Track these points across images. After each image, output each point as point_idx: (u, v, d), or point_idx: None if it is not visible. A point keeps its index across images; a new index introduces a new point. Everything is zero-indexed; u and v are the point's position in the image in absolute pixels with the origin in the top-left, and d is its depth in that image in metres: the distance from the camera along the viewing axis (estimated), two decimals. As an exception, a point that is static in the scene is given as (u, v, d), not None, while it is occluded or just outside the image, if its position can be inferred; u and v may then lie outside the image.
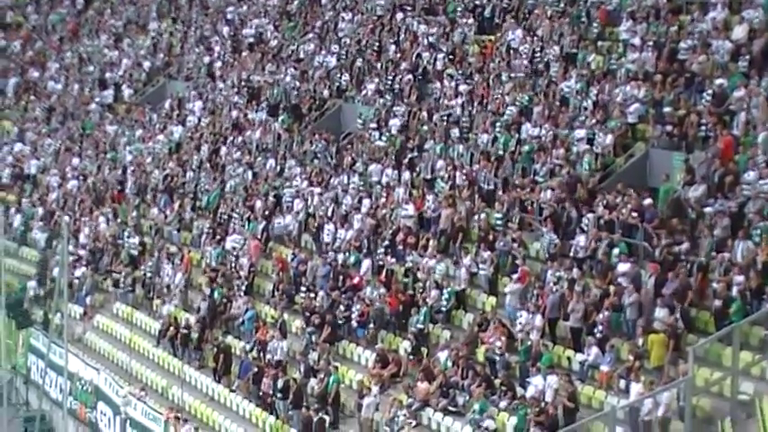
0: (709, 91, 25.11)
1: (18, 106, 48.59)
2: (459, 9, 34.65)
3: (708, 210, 22.87)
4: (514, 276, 24.60)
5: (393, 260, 27.46)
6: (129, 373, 30.88)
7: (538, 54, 30.34)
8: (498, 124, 28.79)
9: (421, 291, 25.95)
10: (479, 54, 32.38)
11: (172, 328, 30.10)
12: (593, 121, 26.90)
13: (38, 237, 38.35)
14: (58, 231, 35.58)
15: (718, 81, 25.20)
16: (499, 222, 26.17)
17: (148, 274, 32.79)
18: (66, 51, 50.42)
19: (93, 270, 35.01)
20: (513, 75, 30.27)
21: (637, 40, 28.05)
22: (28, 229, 39.38)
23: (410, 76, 33.28)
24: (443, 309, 25.53)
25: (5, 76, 50.80)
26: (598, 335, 22.28)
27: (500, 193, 26.93)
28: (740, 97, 24.45)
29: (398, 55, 34.72)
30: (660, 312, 21.58)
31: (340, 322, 26.83)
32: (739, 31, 26.06)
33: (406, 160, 30.25)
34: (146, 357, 31.23)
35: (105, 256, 35.05)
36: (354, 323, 26.60)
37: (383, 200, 29.33)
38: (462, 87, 31.15)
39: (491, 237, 25.87)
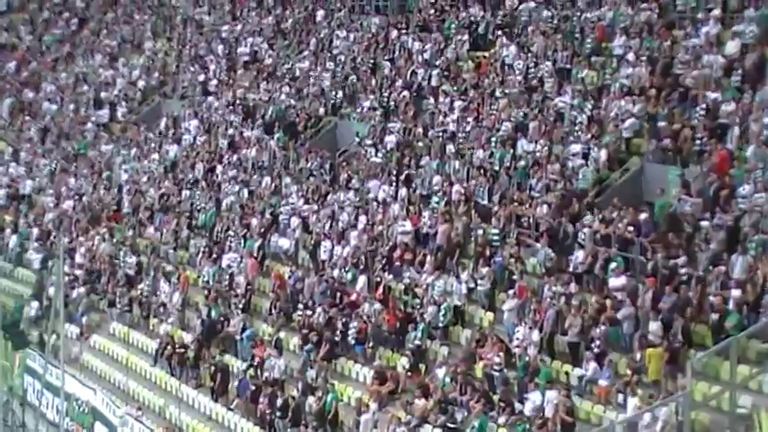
0: (703, 105, 25.21)
1: (13, 127, 48.62)
2: (453, 26, 34.79)
3: (704, 224, 22.93)
4: (511, 292, 24.60)
5: (390, 276, 27.47)
6: (126, 392, 30.81)
7: (532, 70, 30.45)
8: (494, 140, 28.86)
9: (418, 307, 25.96)
10: (474, 70, 32.49)
11: (169, 348, 30.05)
12: (588, 136, 26.98)
13: (33, 257, 38.30)
14: (54, 252, 35.55)
15: (712, 95, 25.30)
16: (496, 238, 26.21)
17: (145, 294, 32.75)
18: (60, 72, 50.50)
19: (89, 290, 34.97)
20: (507, 91, 30.37)
21: (630, 56, 28.17)
22: (24, 249, 39.35)
23: (405, 93, 33.38)
24: (441, 325, 25.53)
25: (0, 97, 50.87)
26: (595, 349, 22.29)
27: (496, 208, 26.97)
28: (733, 111, 24.55)
29: (393, 72, 34.84)
30: (654, 326, 21.61)
31: (337, 339, 26.81)
32: (732, 46, 26.18)
33: (402, 176, 30.30)
34: (143, 377, 31.15)
35: (101, 276, 35.02)
36: (352, 340, 26.59)
37: (380, 216, 29.36)
38: (457, 104, 31.24)
39: (488, 252, 25.90)
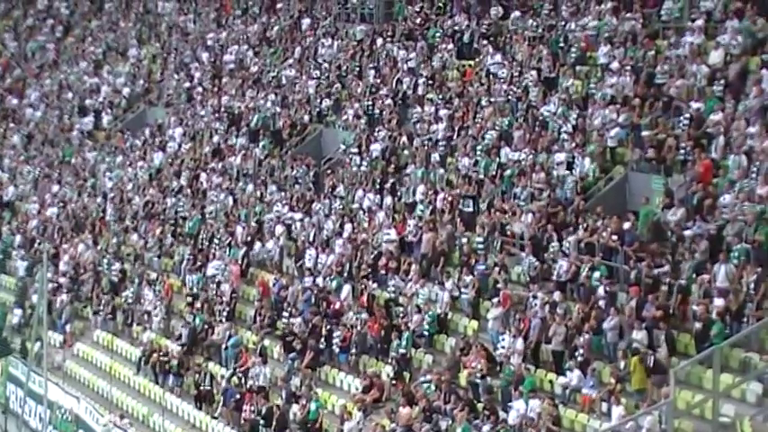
0: (687, 115, 25.33)
1: (-3, 134, 48.48)
2: (438, 35, 34.86)
3: (687, 233, 23.02)
4: (496, 300, 24.64)
5: (375, 285, 27.47)
6: (109, 401, 30.67)
7: (517, 79, 30.53)
8: (479, 148, 28.92)
9: (403, 315, 25.96)
10: (459, 79, 32.56)
11: (153, 355, 29.95)
12: (573, 145, 27.06)
13: (18, 265, 38.14)
14: (38, 259, 35.40)
15: (696, 105, 25.42)
16: (480, 246, 26.24)
17: (129, 301, 32.66)
18: (45, 79, 50.36)
19: (73, 298, 34.84)
20: (492, 99, 30.45)
21: (615, 65, 28.29)
22: (6, 256, 39.17)
23: (390, 101, 33.43)
24: (425, 333, 25.53)
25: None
26: (579, 358, 22.34)
27: (481, 217, 27.01)
28: (717, 121, 24.68)
29: (378, 80, 34.88)
30: (638, 334, 21.67)
31: (322, 347, 26.78)
32: (715, 56, 26.32)
33: (387, 185, 30.33)
34: (126, 385, 31.05)
35: (85, 284, 34.89)
36: (336, 348, 26.56)
37: (365, 224, 29.36)
38: (442, 112, 31.30)
39: (473, 261, 25.93)
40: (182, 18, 47.94)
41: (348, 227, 29.61)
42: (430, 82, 33.03)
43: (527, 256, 25.04)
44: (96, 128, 44.89)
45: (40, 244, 37.29)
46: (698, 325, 21.26)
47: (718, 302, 21.15)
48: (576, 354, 22.39)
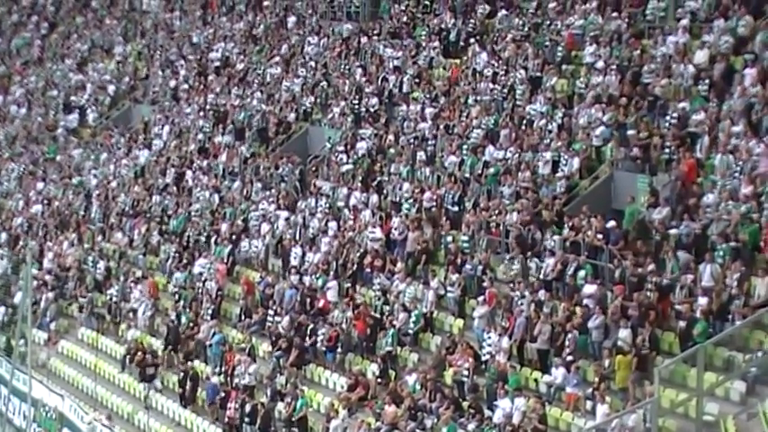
0: (673, 114, 25.41)
1: (-19, 131, 48.29)
2: (424, 33, 34.87)
3: (672, 232, 23.10)
4: (481, 299, 24.67)
5: (361, 283, 27.46)
6: (94, 398, 30.61)
7: (503, 77, 30.57)
8: (465, 147, 28.94)
9: (388, 314, 25.97)
10: (445, 77, 32.58)
11: (138, 354, 29.89)
12: (559, 143, 27.11)
13: (2, 262, 37.98)
14: (22, 257, 35.26)
15: (681, 105, 25.51)
16: (466, 245, 26.27)
17: (114, 299, 32.58)
18: (30, 75, 50.16)
19: (57, 295, 34.73)
20: (478, 98, 30.48)
21: (600, 64, 28.35)
22: (-9, 254, 39.03)
23: (376, 100, 33.42)
24: (411, 331, 25.56)
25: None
26: (564, 356, 22.39)
27: (466, 215, 27.04)
28: (701, 120, 24.77)
29: (364, 78, 34.86)
30: (623, 333, 21.74)
31: (307, 345, 26.77)
32: (700, 56, 26.41)
33: (373, 183, 30.32)
34: (111, 383, 30.98)
35: (70, 281, 34.79)
36: (322, 347, 26.56)
37: (350, 223, 29.35)
38: (428, 110, 31.31)
39: (459, 259, 25.96)
40: (167, 15, 47.83)
41: (333, 225, 29.60)
42: (416, 80, 33.04)
43: (512, 254, 25.07)
44: (81, 125, 44.77)
45: (24, 241, 37.17)
46: (682, 324, 21.34)
47: (702, 301, 21.22)
48: (563, 353, 22.43)
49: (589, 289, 23.11)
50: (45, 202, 39.88)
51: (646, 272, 22.48)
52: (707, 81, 25.67)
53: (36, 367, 31.71)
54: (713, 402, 19.88)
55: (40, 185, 41.39)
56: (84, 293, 33.62)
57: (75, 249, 35.80)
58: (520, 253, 24.92)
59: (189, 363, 28.47)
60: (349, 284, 27.58)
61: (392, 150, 31.06)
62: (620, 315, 22.09)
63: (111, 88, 45.20)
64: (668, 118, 25.45)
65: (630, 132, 26.01)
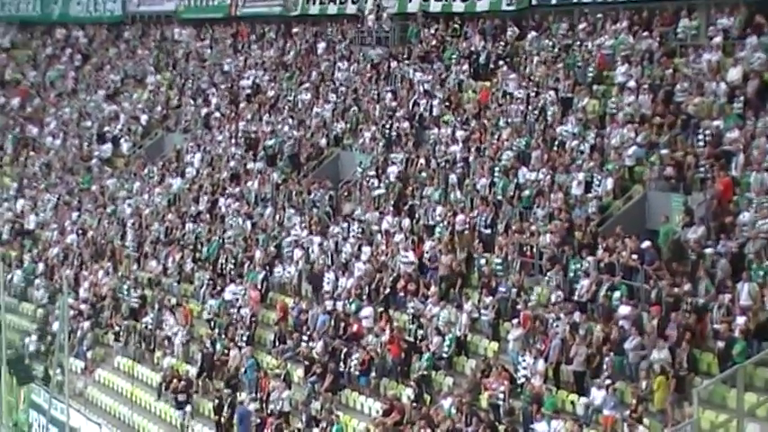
0: (706, 132, 25.21)
1: (17, 162, 48.74)
2: (454, 56, 34.90)
3: (708, 251, 22.87)
4: (516, 321, 24.52)
5: (394, 307, 27.38)
6: (131, 426, 30.67)
7: (533, 99, 30.50)
8: (496, 169, 28.87)
9: (422, 338, 25.86)
10: (475, 100, 32.56)
11: (174, 381, 29.94)
12: (591, 164, 26.97)
13: (39, 292, 38.27)
14: (58, 287, 35.50)
15: (714, 123, 25.31)
16: (499, 267, 26.15)
17: (149, 327, 32.69)
18: (64, 107, 50.69)
19: (93, 324, 34.91)
20: (509, 120, 30.41)
21: (632, 84, 28.23)
22: (28, 284, 39.31)
23: (407, 123, 33.44)
24: (445, 355, 25.42)
25: (4, 133, 51.05)
26: (601, 378, 22.17)
27: (499, 238, 26.92)
28: (736, 138, 24.56)
29: (395, 102, 34.92)
30: (662, 354, 21.50)
31: (342, 371, 26.70)
32: (734, 73, 26.23)
33: (405, 207, 30.28)
34: (147, 411, 31.04)
35: (105, 310, 34.97)
36: (356, 371, 26.47)
37: (383, 247, 29.32)
38: (459, 133, 31.28)
39: (492, 282, 25.83)
40: (198, 44, 48.21)
41: (366, 250, 29.57)
42: (446, 103, 33.04)
43: (546, 276, 24.92)
44: (115, 155, 45.13)
45: (61, 271, 37.43)
46: (720, 344, 21.08)
47: (740, 321, 20.97)
48: (600, 374, 22.22)
49: (624, 310, 22.90)
50: (80, 231, 40.17)
51: (682, 292, 22.26)
52: (741, 98, 25.47)
53: (73, 396, 31.87)
54: (754, 423, 19.61)
55: (75, 215, 41.70)
56: (120, 322, 33.77)
57: (111, 278, 36.01)
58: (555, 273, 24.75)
59: (227, 390, 28.39)
60: (382, 309, 27.49)
61: (423, 174, 31.03)
62: (658, 336, 21.86)
63: (143, 118, 45.58)
64: (701, 136, 25.25)
65: (664, 152, 25.83)
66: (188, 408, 29.00)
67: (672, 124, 26.32)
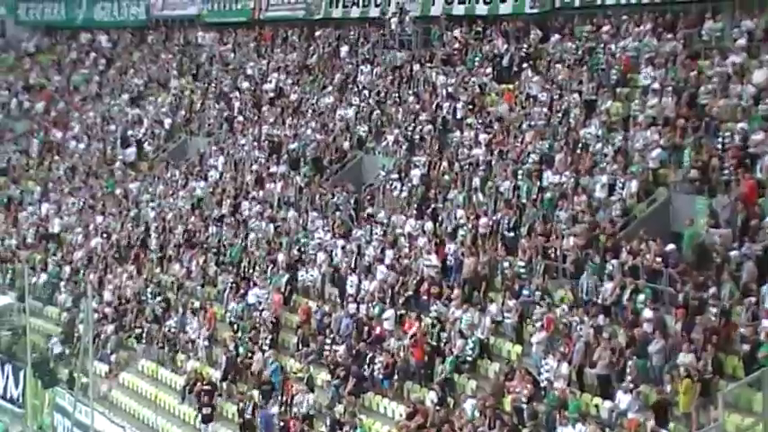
0: (731, 135, 25.06)
1: (42, 166, 49.05)
2: (477, 59, 34.86)
3: (733, 254, 22.74)
4: (539, 324, 24.46)
5: (417, 310, 27.37)
6: (155, 429, 30.79)
7: (557, 102, 30.42)
8: (520, 172, 28.81)
9: (446, 341, 25.83)
10: (498, 103, 32.51)
11: (198, 384, 30.02)
12: (615, 167, 26.87)
13: (63, 296, 38.47)
14: (83, 290, 35.68)
15: (739, 125, 25.17)
16: (522, 270, 26.09)
17: (173, 330, 32.80)
18: (88, 111, 50.97)
19: (117, 327, 35.06)
20: (532, 123, 30.35)
21: (656, 86, 28.11)
22: (53, 288, 39.51)
23: (430, 126, 33.43)
24: (469, 358, 25.38)
25: (29, 137, 51.39)
26: (626, 382, 22.08)
27: (522, 240, 26.87)
28: (761, 140, 24.40)
29: (418, 106, 34.91)
30: (687, 357, 21.39)
31: (365, 374, 26.70)
32: (759, 75, 26.07)
33: (428, 210, 30.27)
34: (171, 414, 31.14)
35: (129, 313, 35.11)
36: (380, 375, 26.47)
37: (406, 250, 29.30)
38: (482, 136, 31.24)
39: (515, 285, 25.77)
40: (221, 48, 48.37)
41: (389, 252, 29.56)
42: (469, 106, 33.01)
43: (572, 279, 24.85)
44: (138, 158, 45.32)
45: (85, 275, 37.60)
46: (746, 347, 20.95)
47: (766, 324, 20.83)
48: (625, 377, 22.12)
49: (648, 313, 22.80)
50: (104, 235, 40.38)
51: (707, 295, 22.13)
52: (766, 101, 25.31)
53: (98, 399, 32.01)
54: (780, 427, 19.47)
55: (99, 219, 41.91)
56: (144, 325, 33.90)
57: (135, 281, 36.16)
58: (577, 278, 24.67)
59: (252, 392, 28.40)
60: (404, 311, 27.48)
61: (446, 177, 31.00)
62: (683, 339, 21.75)
63: (167, 121, 45.76)
64: (725, 139, 25.11)
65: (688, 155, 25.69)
66: (205, 409, 28.96)
67: (696, 127, 26.19)
